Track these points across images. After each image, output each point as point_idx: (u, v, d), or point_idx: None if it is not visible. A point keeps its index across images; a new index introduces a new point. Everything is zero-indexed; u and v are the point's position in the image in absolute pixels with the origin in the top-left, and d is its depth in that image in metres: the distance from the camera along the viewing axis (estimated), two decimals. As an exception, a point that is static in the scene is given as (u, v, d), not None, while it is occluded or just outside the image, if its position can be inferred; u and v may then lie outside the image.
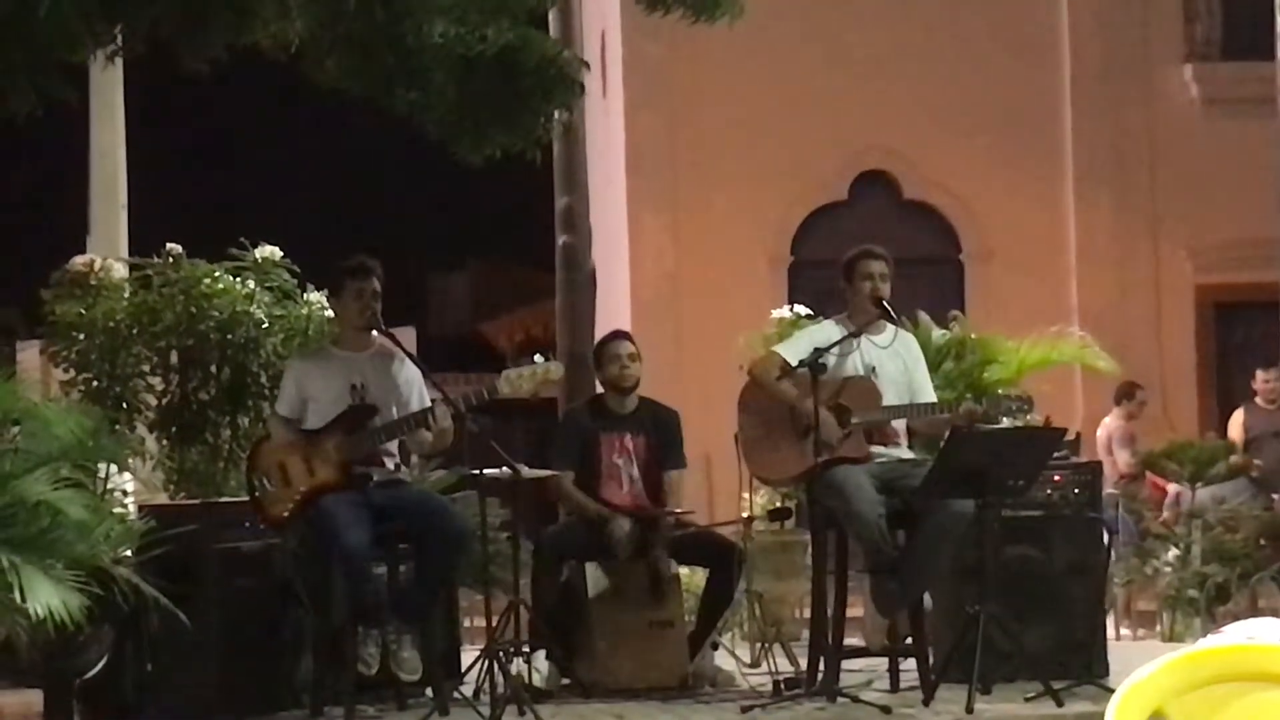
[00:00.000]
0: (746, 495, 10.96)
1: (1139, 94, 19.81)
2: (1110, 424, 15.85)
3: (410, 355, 8.94)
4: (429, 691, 8.65)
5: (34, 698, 8.79)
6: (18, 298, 13.16)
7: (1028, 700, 8.48)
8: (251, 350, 10.00)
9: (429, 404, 8.71)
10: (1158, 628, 13.05)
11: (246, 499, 8.81)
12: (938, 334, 11.91)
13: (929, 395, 9.05)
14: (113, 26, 9.58)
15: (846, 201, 19.71)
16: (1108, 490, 13.01)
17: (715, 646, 9.56)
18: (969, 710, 8.20)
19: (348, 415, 8.65)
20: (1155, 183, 19.73)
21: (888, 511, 8.52)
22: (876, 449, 8.78)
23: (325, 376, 8.75)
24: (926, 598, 8.95)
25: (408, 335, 10.00)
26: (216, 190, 26.38)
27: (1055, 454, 9.37)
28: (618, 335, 9.97)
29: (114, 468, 9.14)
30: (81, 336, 9.93)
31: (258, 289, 10.09)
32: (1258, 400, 15.67)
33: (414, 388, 8.81)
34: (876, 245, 9.18)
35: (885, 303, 8.87)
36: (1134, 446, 15.69)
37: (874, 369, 8.85)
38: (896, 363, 8.95)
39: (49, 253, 11.06)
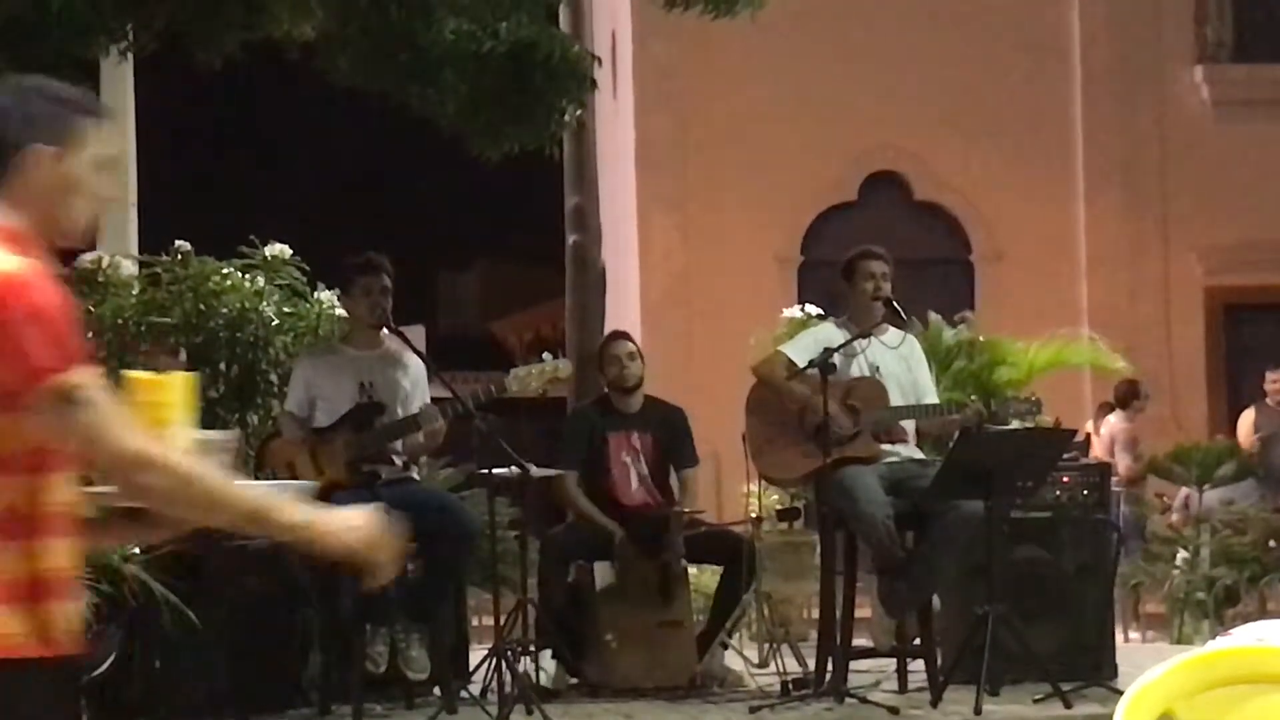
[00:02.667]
0: (754, 493, 10.95)
1: (1150, 96, 19.81)
2: (1114, 425, 15.78)
3: (419, 353, 8.94)
4: (437, 690, 8.65)
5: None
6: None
7: (1036, 702, 8.47)
8: (260, 348, 9.99)
9: (428, 402, 8.75)
10: (1159, 626, 13.06)
11: (255, 497, 8.79)
12: (949, 334, 11.91)
13: (932, 397, 9.07)
14: (126, 22, 9.59)
15: (856, 202, 19.73)
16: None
17: (725, 646, 9.56)
18: (977, 711, 8.19)
19: (355, 413, 8.65)
20: (1165, 184, 19.72)
21: (896, 512, 8.51)
22: (886, 447, 8.77)
23: (334, 374, 8.76)
24: (935, 599, 8.94)
25: (417, 334, 10.02)
26: (226, 188, 26.40)
27: (1064, 455, 9.37)
28: (616, 336, 10.03)
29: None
30: (90, 334, 9.93)
31: (267, 287, 10.09)
32: (1268, 400, 15.64)
33: (419, 388, 8.82)
34: (876, 245, 9.19)
35: (894, 302, 8.87)
36: (1136, 450, 15.63)
37: (878, 369, 8.86)
38: (901, 364, 8.95)
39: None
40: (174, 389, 3.71)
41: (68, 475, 3.47)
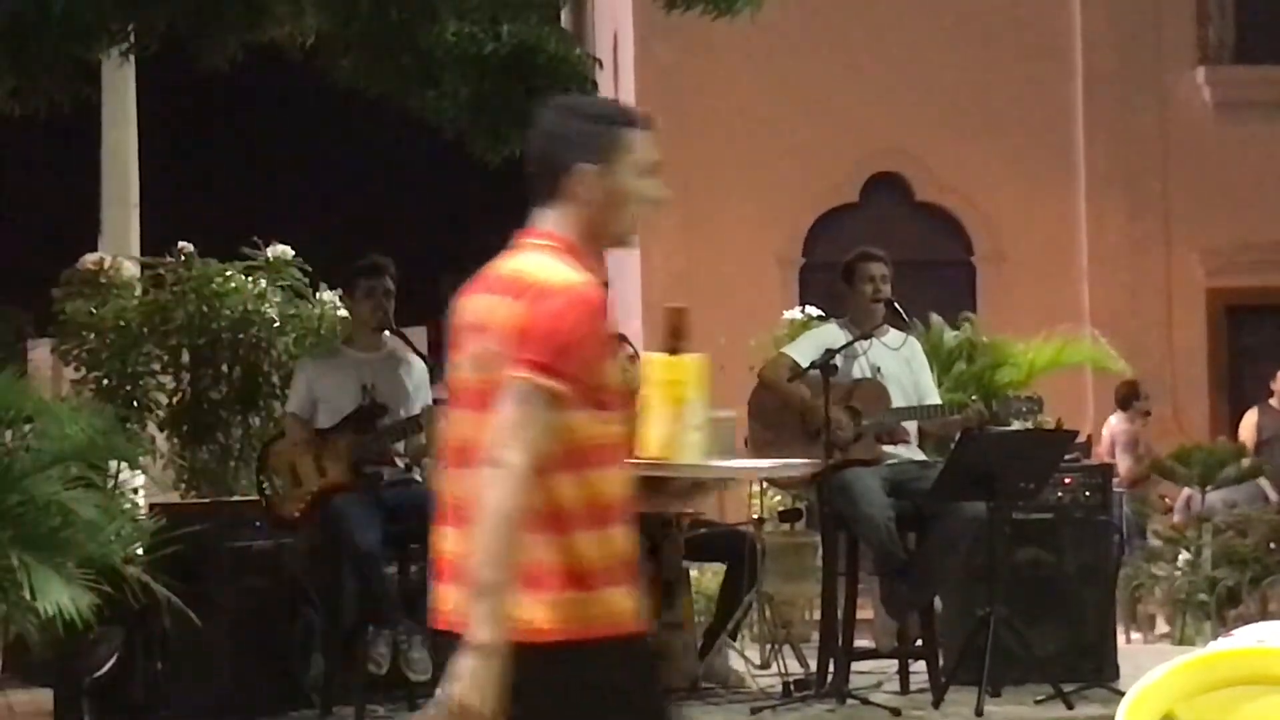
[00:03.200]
0: (756, 494, 10.94)
1: (1151, 97, 19.79)
2: (1115, 426, 15.74)
3: (422, 355, 8.94)
4: (439, 691, 8.63)
5: (44, 696, 8.80)
6: (30, 297, 13.18)
7: (1038, 703, 8.48)
8: (263, 349, 10.00)
9: (430, 403, 8.75)
10: (1161, 628, 13.03)
11: (257, 498, 8.82)
12: (950, 335, 11.90)
13: (934, 398, 9.07)
14: (127, 23, 9.59)
15: (858, 203, 19.70)
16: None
17: (734, 638, 9.56)
18: (979, 713, 8.20)
19: (358, 415, 8.65)
20: (1167, 186, 19.70)
21: (898, 514, 8.52)
22: (888, 449, 8.78)
23: (337, 376, 8.76)
24: (937, 600, 8.94)
25: (419, 335, 10.00)
26: (229, 189, 26.40)
27: (1066, 456, 9.36)
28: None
29: (125, 466, 9.15)
30: (92, 335, 9.93)
31: (269, 288, 10.09)
32: (1272, 402, 15.63)
33: (421, 389, 8.82)
34: (876, 247, 9.19)
35: (894, 303, 8.88)
36: (1136, 451, 15.60)
37: (879, 370, 8.86)
38: (902, 365, 8.95)
39: (61, 252, 11.06)
40: (689, 369, 3.88)
41: (616, 469, 3.65)
